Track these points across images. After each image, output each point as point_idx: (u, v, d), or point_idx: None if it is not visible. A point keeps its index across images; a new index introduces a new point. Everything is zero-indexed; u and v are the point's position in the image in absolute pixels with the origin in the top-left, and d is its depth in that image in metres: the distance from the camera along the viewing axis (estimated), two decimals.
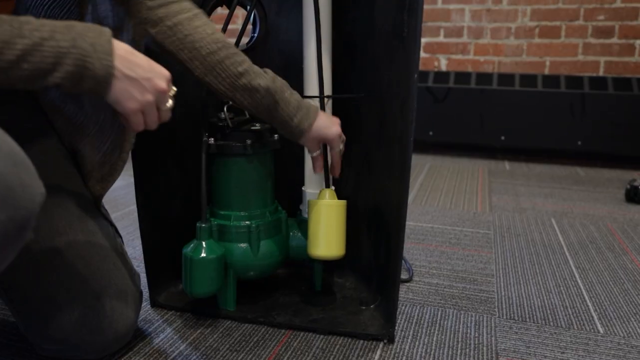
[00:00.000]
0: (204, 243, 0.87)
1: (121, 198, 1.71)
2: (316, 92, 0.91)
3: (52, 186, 0.72)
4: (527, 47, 2.39)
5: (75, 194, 0.79)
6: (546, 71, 2.38)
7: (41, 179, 0.51)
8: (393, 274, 0.86)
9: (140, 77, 0.61)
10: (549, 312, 0.98)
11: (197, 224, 0.88)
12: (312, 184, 0.97)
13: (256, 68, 0.80)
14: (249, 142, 0.88)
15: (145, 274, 0.98)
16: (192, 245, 0.88)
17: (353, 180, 1.04)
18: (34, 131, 0.78)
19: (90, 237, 0.78)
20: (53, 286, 0.72)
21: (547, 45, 2.36)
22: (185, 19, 0.78)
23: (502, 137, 2.33)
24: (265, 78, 0.80)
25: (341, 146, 0.88)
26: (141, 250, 1.01)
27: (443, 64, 2.53)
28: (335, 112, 0.97)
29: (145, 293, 1.01)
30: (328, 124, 0.85)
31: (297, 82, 0.96)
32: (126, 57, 0.60)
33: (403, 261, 1.21)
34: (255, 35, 1.02)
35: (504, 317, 0.96)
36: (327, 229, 0.87)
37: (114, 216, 1.49)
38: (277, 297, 1.00)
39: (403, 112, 0.84)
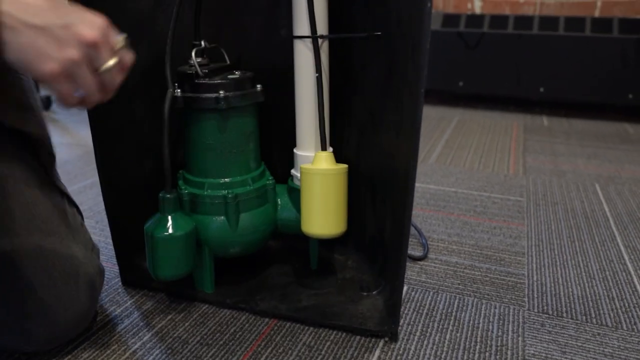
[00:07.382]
0: (169, 217, 0.72)
1: (79, 169, 1.44)
2: (307, 31, 0.72)
3: None
4: None
5: (19, 159, 0.66)
6: (597, 13, 2.08)
7: None
8: (398, 254, 0.69)
9: (53, 25, 0.43)
10: (591, 304, 0.80)
11: (160, 194, 0.72)
12: (306, 145, 0.80)
13: None
14: (222, 93, 0.71)
15: (114, 248, 0.85)
16: (154, 219, 0.73)
17: (355, 140, 0.86)
18: None
19: (30, 209, 0.65)
20: None
21: None
22: None
23: (541, 89, 2.07)
24: None
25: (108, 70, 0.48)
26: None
27: (477, 6, 2.25)
28: (332, 57, 0.78)
29: (116, 269, 0.88)
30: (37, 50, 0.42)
31: (288, 18, 0.78)
32: None
33: (418, 234, 1.04)
34: None
35: (535, 310, 0.79)
36: (323, 203, 0.71)
37: (71, 189, 1.27)
38: (264, 277, 0.85)
39: (414, 57, 0.65)
